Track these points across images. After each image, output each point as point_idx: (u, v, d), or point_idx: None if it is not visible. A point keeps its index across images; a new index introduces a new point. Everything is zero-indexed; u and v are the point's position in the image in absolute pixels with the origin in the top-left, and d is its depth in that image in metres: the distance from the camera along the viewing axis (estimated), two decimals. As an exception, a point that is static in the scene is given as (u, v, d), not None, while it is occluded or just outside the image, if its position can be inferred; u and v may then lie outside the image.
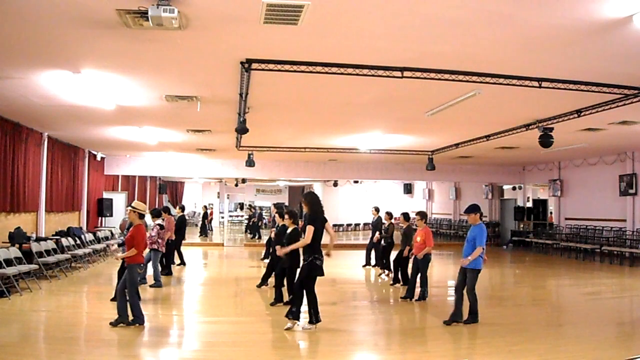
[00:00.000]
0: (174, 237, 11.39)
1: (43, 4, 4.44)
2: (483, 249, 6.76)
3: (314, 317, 6.47)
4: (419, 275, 8.60)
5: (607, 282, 11.32)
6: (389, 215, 11.55)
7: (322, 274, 6.47)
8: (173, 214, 12.31)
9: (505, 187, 21.26)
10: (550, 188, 18.09)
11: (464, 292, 6.87)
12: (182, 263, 12.49)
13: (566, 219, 17.26)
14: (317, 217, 6.55)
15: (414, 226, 10.05)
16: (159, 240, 9.53)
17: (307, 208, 6.63)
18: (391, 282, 10.27)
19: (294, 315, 6.46)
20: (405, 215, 10.19)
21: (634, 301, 9.22)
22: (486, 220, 21.14)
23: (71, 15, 4.67)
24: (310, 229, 6.39)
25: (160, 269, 9.83)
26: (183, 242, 12.89)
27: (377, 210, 12.94)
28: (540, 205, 19.67)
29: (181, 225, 12.41)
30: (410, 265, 9.35)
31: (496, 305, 8.59)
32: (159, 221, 9.87)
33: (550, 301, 9.64)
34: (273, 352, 5.84)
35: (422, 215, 9.07)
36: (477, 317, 6.85)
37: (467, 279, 6.87)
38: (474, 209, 7.00)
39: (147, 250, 9.59)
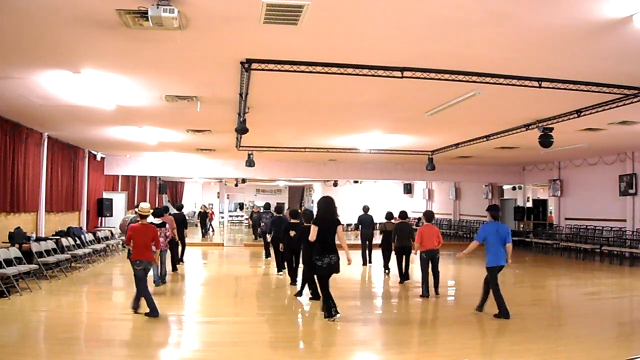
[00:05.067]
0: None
1: (43, 4, 4.44)
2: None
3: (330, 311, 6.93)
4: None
5: (607, 282, 11.32)
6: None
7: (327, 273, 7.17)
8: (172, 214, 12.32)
9: (505, 187, 21.25)
10: (550, 188, 18.09)
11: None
12: (181, 261, 12.52)
13: (566, 219, 17.26)
14: (320, 218, 7.10)
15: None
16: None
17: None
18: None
19: (332, 310, 6.90)
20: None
21: (634, 301, 9.22)
22: (486, 220, 21.16)
23: (71, 15, 4.67)
24: (314, 229, 6.96)
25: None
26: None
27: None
28: (540, 205, 19.68)
29: (180, 224, 12.41)
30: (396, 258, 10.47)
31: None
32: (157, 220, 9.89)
33: (551, 301, 9.64)
34: (273, 352, 5.83)
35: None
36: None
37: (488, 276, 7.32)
38: (492, 208, 7.83)
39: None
